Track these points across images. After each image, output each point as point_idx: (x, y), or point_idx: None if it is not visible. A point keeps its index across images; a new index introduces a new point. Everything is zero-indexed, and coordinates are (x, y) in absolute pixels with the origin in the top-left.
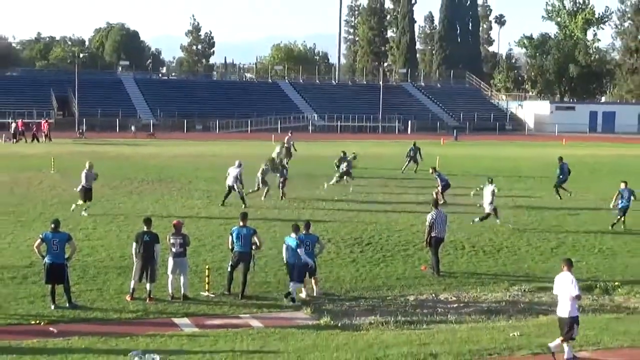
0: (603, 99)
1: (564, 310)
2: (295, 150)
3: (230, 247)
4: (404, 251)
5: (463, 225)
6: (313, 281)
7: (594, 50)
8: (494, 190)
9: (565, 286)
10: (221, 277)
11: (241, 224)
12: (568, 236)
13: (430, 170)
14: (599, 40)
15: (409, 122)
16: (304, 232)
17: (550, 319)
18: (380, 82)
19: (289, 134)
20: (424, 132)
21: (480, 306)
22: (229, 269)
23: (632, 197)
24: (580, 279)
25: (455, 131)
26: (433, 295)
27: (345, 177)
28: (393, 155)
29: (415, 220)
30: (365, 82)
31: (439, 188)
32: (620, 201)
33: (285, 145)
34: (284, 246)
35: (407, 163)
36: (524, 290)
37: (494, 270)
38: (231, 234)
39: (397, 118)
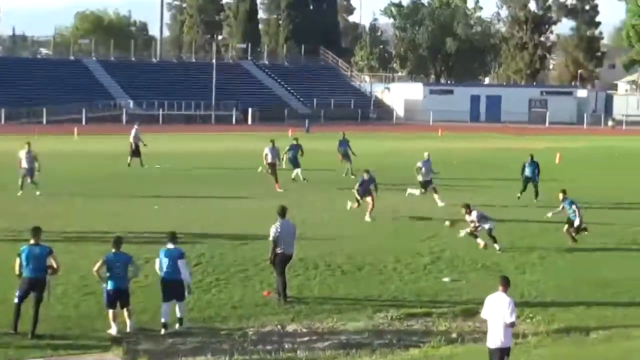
0: (487, 81)
1: (495, 339)
2: (145, 145)
3: (18, 272)
4: (241, 272)
5: (315, 241)
6: (125, 313)
7: (476, 21)
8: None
9: (499, 310)
10: (7, 310)
11: (32, 241)
12: (445, 249)
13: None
14: (481, 8)
15: (250, 110)
16: (113, 250)
17: (424, 353)
18: (214, 61)
19: (136, 127)
20: (268, 122)
21: (338, 339)
22: (16, 301)
23: (574, 207)
24: (458, 302)
25: (307, 121)
26: (279, 326)
27: None
28: (228, 152)
29: (239, 232)
30: (194, 60)
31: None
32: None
33: (131, 141)
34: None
35: (347, 165)
36: (391, 318)
37: (354, 294)
38: (19, 255)
39: (234, 105)
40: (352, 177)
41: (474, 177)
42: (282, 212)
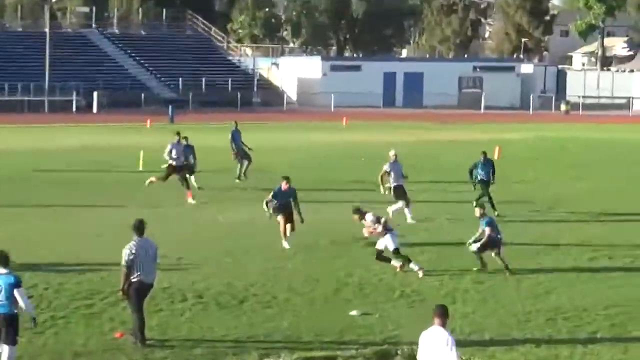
0: (404, 54)
1: None
2: None
3: None
4: (85, 308)
5: (184, 265)
6: None
7: None
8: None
9: (436, 348)
10: None
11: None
12: (353, 274)
13: None
14: None
15: (95, 94)
16: None
17: None
18: (47, 29)
19: None
20: (120, 108)
21: None
22: None
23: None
24: (370, 342)
25: (171, 107)
26: None
27: None
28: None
29: (110, 253)
30: (21, 30)
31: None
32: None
33: None
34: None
35: (239, 165)
36: None
37: (234, 334)
38: None
39: (75, 88)
40: (238, 180)
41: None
42: (139, 228)
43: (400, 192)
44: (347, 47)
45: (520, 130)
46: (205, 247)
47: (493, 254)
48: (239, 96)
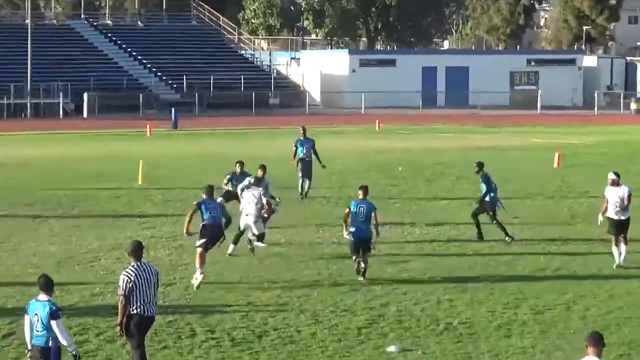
0: (446, 45)
1: None
2: None
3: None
4: (78, 345)
5: (195, 293)
6: None
7: None
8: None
9: None
10: None
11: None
12: (389, 302)
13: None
14: None
15: (85, 95)
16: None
17: None
18: (28, 20)
19: None
20: (114, 113)
21: None
22: None
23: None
24: None
25: (174, 111)
26: None
27: None
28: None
29: (104, 280)
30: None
31: None
32: None
33: None
34: None
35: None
36: None
37: None
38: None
39: (61, 88)
40: (301, 198)
41: (432, 192)
42: (137, 251)
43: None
44: (379, 39)
45: (584, 134)
46: (217, 272)
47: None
48: (253, 97)
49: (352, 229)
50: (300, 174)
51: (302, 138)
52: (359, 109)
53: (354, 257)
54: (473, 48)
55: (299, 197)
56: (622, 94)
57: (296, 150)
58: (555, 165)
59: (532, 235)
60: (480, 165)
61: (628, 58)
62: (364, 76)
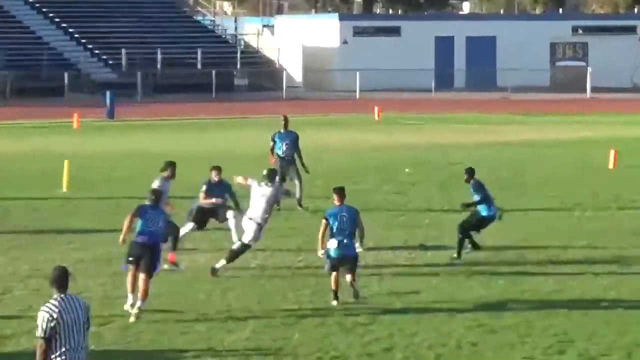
0: (466, 9)
1: None
2: None
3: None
4: None
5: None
6: None
7: None
8: None
9: None
10: None
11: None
12: (394, 347)
13: None
14: None
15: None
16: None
17: None
18: None
19: None
20: (31, 97)
21: None
22: None
23: None
24: None
25: (109, 95)
26: None
27: None
28: None
29: (16, 317)
30: None
31: None
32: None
33: None
34: None
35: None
36: None
37: None
38: None
39: None
40: (301, 208)
41: (448, 202)
42: (60, 280)
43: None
44: (379, 0)
45: None
46: (167, 304)
47: None
48: (213, 77)
49: (332, 246)
50: (292, 176)
51: (282, 131)
52: (352, 93)
53: (332, 275)
54: (502, 12)
55: (300, 207)
56: None
57: (274, 146)
58: (611, 165)
59: (580, 258)
60: (471, 172)
61: None
62: (359, 49)
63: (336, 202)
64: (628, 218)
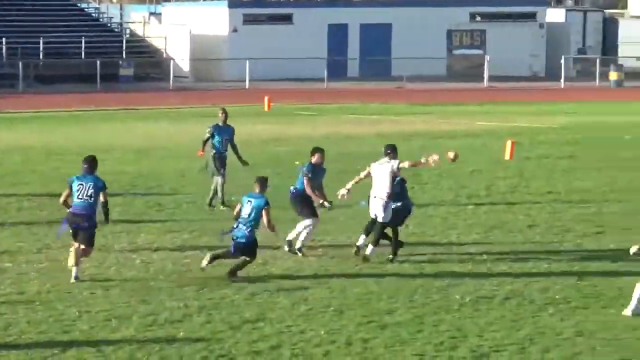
0: None
1: None
2: None
3: None
4: None
5: None
6: None
7: None
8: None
9: None
10: None
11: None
12: None
13: None
14: None
15: None
16: None
17: None
18: None
19: None
20: None
21: None
22: None
23: None
24: None
25: None
26: None
27: None
28: None
29: None
30: None
31: None
32: None
33: None
34: None
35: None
36: None
37: None
38: None
39: None
40: (224, 208)
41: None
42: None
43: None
44: None
45: (546, 114)
46: (45, 302)
47: None
48: (98, 67)
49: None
50: (211, 173)
51: (220, 124)
52: (242, 82)
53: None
54: None
55: (221, 206)
56: (598, 61)
57: (208, 139)
58: (508, 157)
59: (474, 252)
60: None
61: (606, 11)
62: (249, 38)
63: (256, 189)
64: (523, 211)
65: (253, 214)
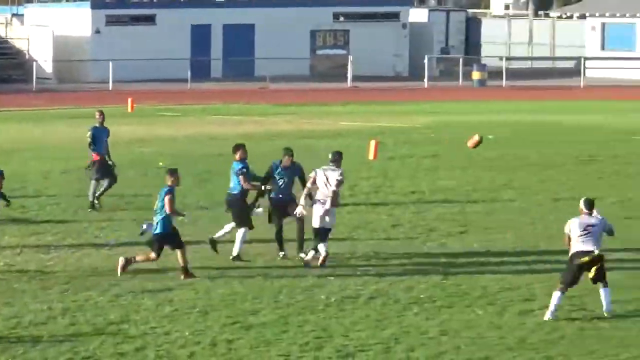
0: None
1: None
2: None
3: None
4: None
5: None
6: None
7: None
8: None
9: None
10: None
11: None
12: None
13: None
14: None
15: None
16: None
17: None
18: None
19: None
20: None
21: None
22: None
23: None
24: None
25: None
26: None
27: None
28: None
29: None
30: None
31: None
32: None
33: None
34: None
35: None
36: None
37: None
38: None
39: None
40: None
41: (207, 196)
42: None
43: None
44: None
45: (410, 114)
46: None
47: None
48: None
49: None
50: (93, 175)
51: (97, 125)
52: (105, 84)
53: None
54: None
55: (95, 205)
56: (461, 60)
57: (93, 141)
58: (371, 156)
59: (339, 252)
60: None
61: (469, 11)
62: (112, 39)
63: (167, 182)
64: (387, 210)
65: (160, 204)
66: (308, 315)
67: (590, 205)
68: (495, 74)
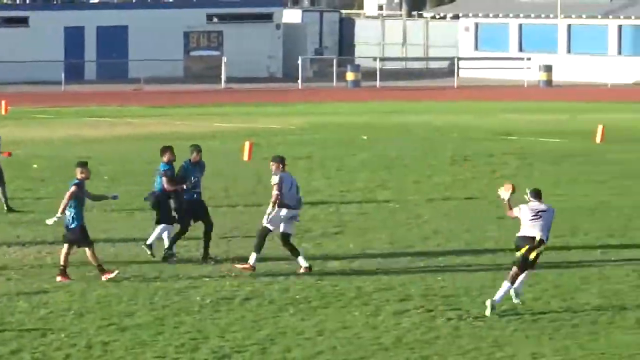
0: None
1: None
2: None
3: None
4: None
5: None
6: None
7: None
8: None
9: None
10: None
11: None
12: None
13: None
14: None
15: None
16: None
17: None
18: None
19: None
20: None
21: None
22: None
23: None
24: None
25: None
26: None
27: None
28: None
29: None
30: None
31: None
32: None
33: None
34: None
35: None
36: None
37: None
38: None
39: None
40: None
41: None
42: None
43: None
44: None
45: (284, 115)
46: None
47: None
48: None
49: None
50: None
51: None
52: None
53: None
54: (134, 1)
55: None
56: (335, 61)
57: None
58: (246, 158)
59: (214, 254)
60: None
61: (343, 12)
62: None
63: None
64: (262, 212)
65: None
66: (184, 316)
67: (538, 194)
68: (369, 74)
